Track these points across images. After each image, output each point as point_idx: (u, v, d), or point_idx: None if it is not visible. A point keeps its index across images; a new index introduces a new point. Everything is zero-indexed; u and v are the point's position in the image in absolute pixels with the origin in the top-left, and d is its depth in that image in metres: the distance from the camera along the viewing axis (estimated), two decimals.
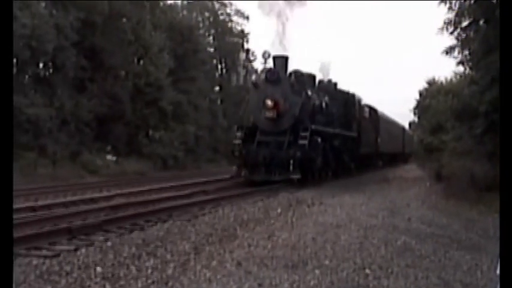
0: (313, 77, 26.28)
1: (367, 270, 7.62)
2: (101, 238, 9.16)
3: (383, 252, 8.90)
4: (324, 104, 25.35)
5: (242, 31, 57.33)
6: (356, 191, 19.33)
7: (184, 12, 51.06)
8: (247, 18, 57.43)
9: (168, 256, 8.18)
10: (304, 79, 24.35)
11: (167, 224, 10.75)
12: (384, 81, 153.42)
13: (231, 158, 24.22)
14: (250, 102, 24.48)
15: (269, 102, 21.73)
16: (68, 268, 7.25)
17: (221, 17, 56.52)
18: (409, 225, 11.97)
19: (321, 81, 28.32)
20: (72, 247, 8.39)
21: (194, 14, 52.98)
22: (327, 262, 7.97)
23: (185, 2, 52.18)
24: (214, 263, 7.85)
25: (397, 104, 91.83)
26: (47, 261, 7.46)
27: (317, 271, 7.47)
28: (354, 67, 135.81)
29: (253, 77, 24.64)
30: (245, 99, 26.28)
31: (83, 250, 8.23)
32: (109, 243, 8.76)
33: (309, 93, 23.63)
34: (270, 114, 21.81)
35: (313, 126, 22.10)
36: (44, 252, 8.02)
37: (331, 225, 11.06)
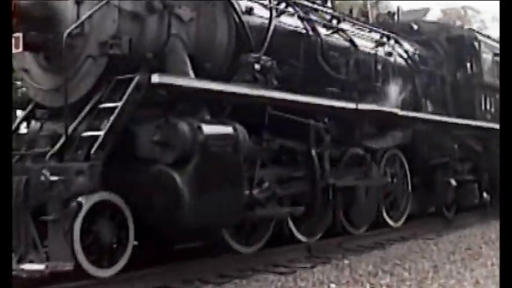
0: None
1: None
2: (339, 256, 9.25)
3: None
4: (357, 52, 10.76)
5: None
6: None
7: None
8: None
9: (406, 274, 7.98)
10: None
11: (409, 243, 10.60)
12: None
13: None
14: None
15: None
16: (302, 284, 7.35)
17: None
18: None
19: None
20: (309, 264, 8.56)
21: None
22: None
23: None
24: (452, 281, 7.58)
25: None
26: (283, 277, 7.70)
27: None
28: None
29: None
30: None
31: (319, 267, 8.37)
32: (346, 261, 8.81)
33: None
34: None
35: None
36: (281, 269, 8.26)
37: None
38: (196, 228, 7.22)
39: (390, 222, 11.42)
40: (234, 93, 7.68)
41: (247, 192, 7.88)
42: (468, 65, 14.60)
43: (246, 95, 7.86)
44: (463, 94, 14.31)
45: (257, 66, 8.14)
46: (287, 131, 8.80)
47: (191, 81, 7.25)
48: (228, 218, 7.59)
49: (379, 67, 11.29)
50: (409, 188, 12.00)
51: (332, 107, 9.56)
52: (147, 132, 6.83)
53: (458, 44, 14.50)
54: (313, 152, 9.16)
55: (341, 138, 10.07)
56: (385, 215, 11.23)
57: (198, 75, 7.46)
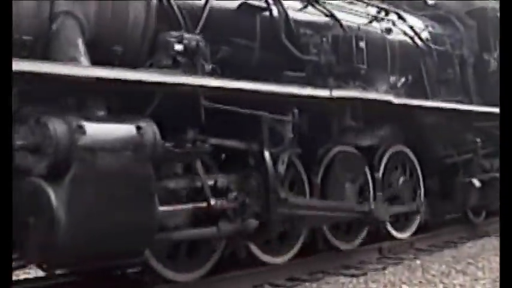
0: None
1: None
2: (411, 256, 9.12)
3: None
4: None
5: None
6: None
7: None
8: None
9: (479, 273, 7.74)
10: None
11: (482, 241, 10.22)
12: None
13: None
14: None
15: None
16: (373, 286, 7.20)
17: None
18: None
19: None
20: (381, 266, 8.46)
21: None
22: None
23: None
24: None
25: None
26: (354, 279, 7.58)
27: None
28: None
29: None
30: None
31: (391, 268, 8.11)
32: (418, 262, 8.56)
33: None
34: None
35: None
36: (352, 271, 8.19)
37: None
38: (78, 259, 5.17)
39: (395, 233, 9.43)
40: (126, 81, 5.46)
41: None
42: (494, 42, 11.61)
43: (140, 82, 5.56)
44: (488, 78, 11.50)
45: (178, 47, 6.19)
46: (231, 127, 6.72)
47: (64, 68, 5.09)
48: (130, 244, 5.40)
49: (362, 45, 8.30)
50: (421, 191, 9.93)
51: (293, 96, 7.16)
52: (20, 136, 5.03)
53: (480, 18, 11.73)
54: (267, 154, 6.95)
55: (315, 136, 7.96)
56: (388, 224, 9.27)
57: (103, 62, 5.58)
